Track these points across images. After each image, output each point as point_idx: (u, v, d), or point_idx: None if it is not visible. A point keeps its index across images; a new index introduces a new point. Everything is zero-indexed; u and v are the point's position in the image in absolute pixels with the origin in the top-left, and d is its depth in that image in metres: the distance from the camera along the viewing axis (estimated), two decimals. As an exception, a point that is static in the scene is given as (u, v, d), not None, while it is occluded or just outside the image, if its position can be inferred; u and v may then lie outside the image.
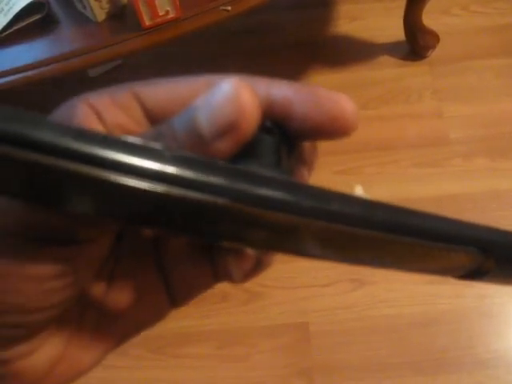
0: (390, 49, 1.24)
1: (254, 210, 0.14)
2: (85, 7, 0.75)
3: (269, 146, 0.16)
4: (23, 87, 0.73)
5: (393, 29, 1.23)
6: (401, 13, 1.17)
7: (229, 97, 0.15)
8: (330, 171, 1.08)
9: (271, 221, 0.15)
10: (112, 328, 0.21)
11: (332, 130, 0.16)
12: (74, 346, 0.20)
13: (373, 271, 0.95)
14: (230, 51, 1.31)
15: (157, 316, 0.22)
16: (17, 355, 0.18)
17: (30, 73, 0.72)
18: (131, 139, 0.14)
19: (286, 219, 0.15)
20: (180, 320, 0.94)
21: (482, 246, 0.18)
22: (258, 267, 0.19)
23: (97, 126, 0.17)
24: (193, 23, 0.75)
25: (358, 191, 0.18)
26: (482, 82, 1.18)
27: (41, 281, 0.16)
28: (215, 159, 0.15)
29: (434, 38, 1.21)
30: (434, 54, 1.22)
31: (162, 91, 0.18)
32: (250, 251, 0.19)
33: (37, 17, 0.77)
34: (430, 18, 1.18)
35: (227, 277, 0.20)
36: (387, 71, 1.22)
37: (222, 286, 0.93)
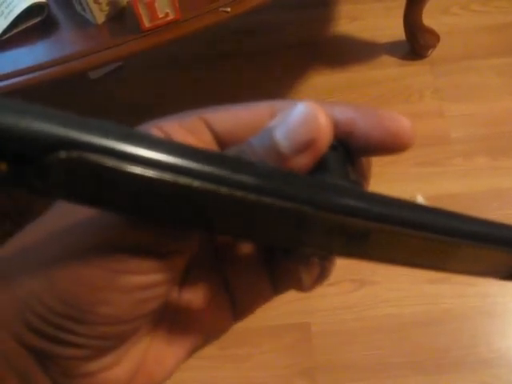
0: (391, 48, 1.24)
1: (337, 216, 0.16)
2: (84, 9, 0.75)
3: (337, 161, 0.18)
4: (24, 90, 0.74)
5: (393, 28, 1.23)
6: (401, 12, 1.17)
7: (307, 117, 0.16)
8: (331, 171, 1.08)
9: (350, 226, 0.16)
10: (182, 339, 0.21)
11: (392, 146, 0.18)
12: (150, 357, 0.20)
13: (374, 271, 0.95)
14: (231, 52, 1.31)
15: (222, 327, 0.23)
16: (101, 367, 0.18)
17: (30, 75, 0.72)
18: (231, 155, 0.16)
19: (363, 225, 0.16)
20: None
21: None
22: (323, 274, 0.21)
23: None
24: (192, 25, 0.75)
25: (419, 200, 0.20)
26: (483, 80, 1.18)
27: (133, 292, 0.17)
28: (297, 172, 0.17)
29: (435, 37, 1.21)
30: (434, 54, 1.22)
31: (229, 116, 0.20)
32: (316, 259, 0.20)
33: (37, 19, 0.77)
34: (430, 18, 1.18)
35: (296, 285, 0.21)
36: (388, 71, 1.22)
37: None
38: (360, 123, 0.18)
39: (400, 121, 0.18)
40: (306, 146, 0.16)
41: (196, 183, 0.15)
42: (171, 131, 0.19)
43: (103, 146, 0.14)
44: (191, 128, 0.19)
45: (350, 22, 1.31)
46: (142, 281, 0.17)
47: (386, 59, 1.23)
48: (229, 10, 0.75)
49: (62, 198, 0.15)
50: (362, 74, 1.22)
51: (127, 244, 0.17)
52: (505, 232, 0.19)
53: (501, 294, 0.91)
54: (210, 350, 0.89)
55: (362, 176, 0.21)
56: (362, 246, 0.17)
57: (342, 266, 0.96)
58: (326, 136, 0.17)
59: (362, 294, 0.93)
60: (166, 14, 0.72)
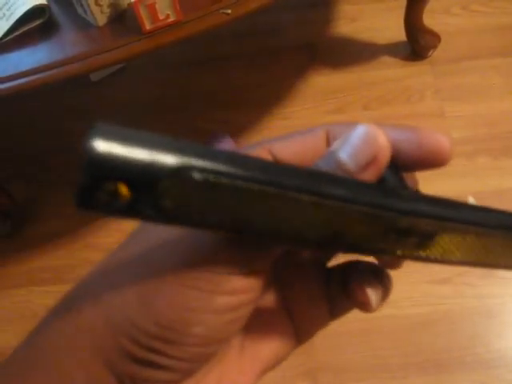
0: (391, 49, 1.24)
1: (415, 220, 0.18)
2: (86, 12, 0.75)
3: (392, 176, 0.20)
4: (26, 92, 0.74)
5: (393, 29, 1.23)
6: (401, 13, 1.17)
7: (368, 137, 0.18)
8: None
9: (423, 228, 0.18)
10: (251, 363, 0.22)
11: (433, 162, 0.20)
12: (223, 381, 0.21)
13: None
14: (231, 53, 1.31)
15: (286, 351, 0.23)
16: None
17: (32, 78, 0.72)
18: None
19: (435, 225, 0.18)
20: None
21: None
22: (386, 292, 0.23)
23: None
24: (193, 26, 0.75)
25: (471, 200, 0.21)
26: (484, 81, 1.18)
27: (226, 313, 0.18)
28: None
29: (435, 37, 1.21)
30: (435, 54, 1.22)
31: (290, 145, 0.22)
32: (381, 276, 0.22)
33: (38, 22, 0.77)
34: (430, 18, 1.18)
35: (364, 306, 0.22)
36: (388, 71, 1.22)
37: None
38: (404, 143, 0.20)
39: (439, 139, 0.20)
40: (370, 163, 0.18)
41: (304, 197, 0.16)
42: None
43: (216, 169, 0.16)
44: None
45: (351, 23, 1.31)
46: (234, 301, 0.18)
47: (387, 60, 1.23)
48: (229, 11, 0.75)
49: (170, 222, 0.16)
50: (363, 74, 1.22)
51: (221, 265, 0.17)
52: None
53: (499, 295, 0.91)
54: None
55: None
56: (429, 247, 0.19)
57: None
58: (386, 153, 0.18)
59: (363, 295, 0.93)
60: (167, 16, 0.73)
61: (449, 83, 1.18)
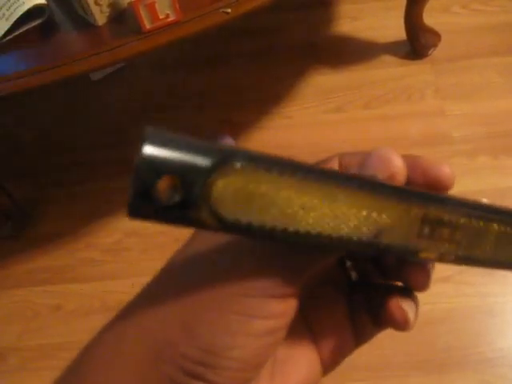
0: (391, 48, 1.24)
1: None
2: (85, 11, 0.75)
3: None
4: (25, 92, 0.74)
5: (394, 28, 1.23)
6: (401, 12, 1.17)
7: (385, 157, 0.20)
8: (333, 171, 1.08)
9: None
10: None
11: (436, 187, 0.21)
12: None
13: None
14: (232, 52, 1.31)
15: (313, 380, 0.23)
16: None
17: (31, 77, 0.72)
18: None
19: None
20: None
21: None
22: (417, 311, 0.23)
23: None
24: (193, 26, 0.75)
25: (484, 201, 0.23)
26: (484, 79, 1.18)
27: (265, 336, 0.18)
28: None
29: (435, 36, 1.21)
30: (435, 53, 1.22)
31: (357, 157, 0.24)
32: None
33: (38, 21, 0.77)
34: (430, 17, 1.18)
35: (401, 325, 0.22)
36: (389, 70, 1.22)
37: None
38: (409, 170, 0.21)
39: (441, 169, 0.22)
40: (392, 177, 0.20)
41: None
42: None
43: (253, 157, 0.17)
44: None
45: (351, 22, 1.31)
46: (272, 324, 0.18)
47: (387, 59, 1.23)
48: (229, 11, 0.75)
49: (220, 222, 0.16)
50: (363, 73, 1.22)
51: (259, 289, 0.18)
52: None
53: (501, 294, 0.91)
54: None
55: None
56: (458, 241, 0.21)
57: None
58: (403, 171, 0.20)
59: (364, 294, 0.93)
60: (167, 16, 0.72)
61: (449, 82, 1.18)
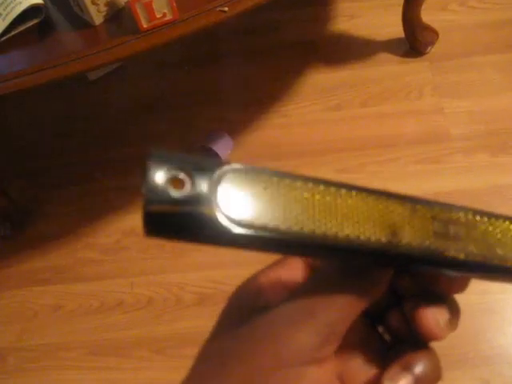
0: (390, 46, 1.24)
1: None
2: (82, 11, 0.75)
3: None
4: (22, 92, 0.74)
5: (392, 26, 1.23)
6: (399, 10, 1.17)
7: None
8: (331, 170, 1.08)
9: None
10: None
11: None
12: None
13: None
14: (231, 51, 1.31)
15: None
16: None
17: (28, 77, 0.72)
18: None
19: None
20: (183, 321, 0.94)
21: None
22: (454, 315, 0.24)
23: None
24: (190, 25, 0.75)
25: None
26: (482, 77, 1.17)
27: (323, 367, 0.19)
28: None
29: (433, 34, 1.21)
30: (433, 51, 1.22)
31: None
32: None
33: (35, 21, 0.77)
34: (428, 15, 1.18)
35: (428, 332, 0.23)
36: (387, 68, 1.21)
37: (226, 287, 0.94)
38: None
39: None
40: None
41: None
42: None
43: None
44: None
45: (349, 20, 1.31)
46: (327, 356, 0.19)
47: (385, 57, 1.23)
48: (226, 9, 0.75)
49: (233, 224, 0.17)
50: (361, 71, 1.22)
51: (296, 355, 0.18)
52: None
53: (501, 291, 0.91)
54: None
55: None
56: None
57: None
58: None
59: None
60: (164, 15, 0.72)
61: (447, 80, 1.18)
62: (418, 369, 0.23)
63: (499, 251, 0.21)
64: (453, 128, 1.11)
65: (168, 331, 0.93)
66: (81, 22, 0.76)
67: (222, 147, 1.09)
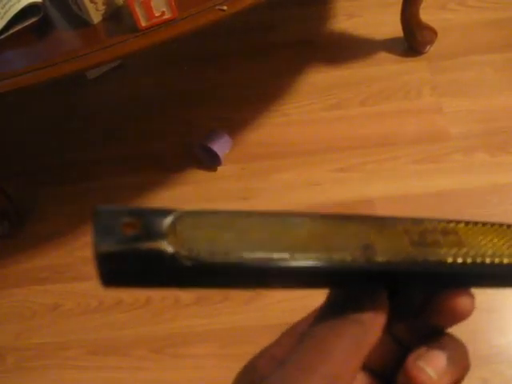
0: (388, 45, 1.24)
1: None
2: (80, 9, 0.75)
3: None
4: (21, 91, 0.73)
5: (390, 25, 1.23)
6: (398, 9, 1.17)
7: None
8: (330, 169, 1.08)
9: None
10: None
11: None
12: None
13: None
14: (230, 50, 1.31)
15: None
16: None
17: (27, 76, 0.72)
18: None
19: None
20: (182, 320, 0.94)
21: None
22: (457, 362, 0.23)
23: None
24: (189, 23, 0.75)
25: None
26: (481, 76, 1.18)
27: None
28: None
29: (432, 33, 1.21)
30: (432, 50, 1.22)
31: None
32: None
33: (33, 20, 0.77)
34: (427, 14, 1.18)
35: None
36: (386, 67, 1.21)
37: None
38: None
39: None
40: None
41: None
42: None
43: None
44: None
45: (348, 19, 1.31)
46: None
47: (384, 56, 1.23)
48: (225, 8, 0.75)
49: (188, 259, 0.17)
50: (360, 70, 1.22)
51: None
52: None
53: (499, 291, 0.91)
54: (211, 349, 0.89)
55: None
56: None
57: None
58: None
59: (362, 292, 0.93)
60: (162, 13, 0.72)
61: (446, 79, 1.18)
62: (450, 348, 0.22)
63: (488, 251, 0.20)
64: (452, 127, 1.11)
65: (166, 330, 0.93)
66: (79, 21, 0.76)
67: (221, 146, 1.09)
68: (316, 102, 1.19)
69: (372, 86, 1.19)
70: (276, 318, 0.92)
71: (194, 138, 1.13)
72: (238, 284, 0.18)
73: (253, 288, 0.18)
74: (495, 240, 0.21)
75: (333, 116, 1.16)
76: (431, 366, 0.20)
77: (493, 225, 0.21)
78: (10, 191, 1.05)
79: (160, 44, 0.74)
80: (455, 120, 1.12)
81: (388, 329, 0.22)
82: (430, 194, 1.02)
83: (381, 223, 0.19)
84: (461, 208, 0.99)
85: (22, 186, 1.15)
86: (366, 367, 0.23)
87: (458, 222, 0.21)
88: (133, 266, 0.16)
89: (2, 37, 0.75)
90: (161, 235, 0.16)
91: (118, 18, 0.76)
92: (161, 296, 0.97)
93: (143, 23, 0.72)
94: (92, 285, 1.00)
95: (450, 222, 0.20)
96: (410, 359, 0.20)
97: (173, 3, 0.72)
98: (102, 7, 0.75)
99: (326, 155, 1.10)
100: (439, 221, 0.20)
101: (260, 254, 0.17)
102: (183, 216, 0.17)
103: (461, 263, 0.20)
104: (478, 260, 0.20)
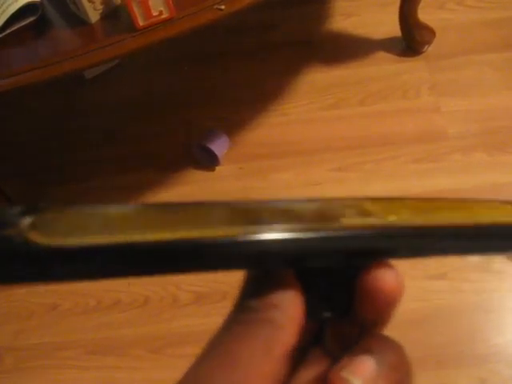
0: (387, 45, 1.24)
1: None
2: (78, 9, 0.75)
3: None
4: (18, 90, 0.73)
5: (389, 25, 1.23)
6: (396, 9, 1.17)
7: None
8: (329, 168, 1.08)
9: None
10: None
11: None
12: None
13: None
14: (227, 50, 1.31)
15: None
16: None
17: (24, 75, 0.72)
18: None
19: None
20: (180, 320, 0.94)
21: None
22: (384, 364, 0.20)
23: None
24: (187, 23, 0.75)
25: None
26: (479, 76, 1.18)
27: None
28: None
29: (430, 33, 1.21)
30: (430, 50, 1.22)
31: None
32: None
33: (30, 19, 0.77)
34: (425, 14, 1.18)
35: None
36: (384, 67, 1.21)
37: (222, 285, 0.94)
38: None
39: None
40: None
41: None
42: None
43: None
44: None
45: (346, 19, 1.31)
46: None
47: (382, 55, 1.23)
48: (223, 7, 0.75)
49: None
50: (359, 70, 1.22)
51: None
52: None
53: (497, 290, 0.91)
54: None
55: None
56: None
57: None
58: None
59: (360, 291, 0.93)
60: (160, 13, 0.72)
61: (444, 78, 1.18)
62: (380, 351, 0.19)
63: (390, 216, 0.19)
64: (450, 127, 1.11)
65: (165, 330, 0.93)
66: (77, 20, 0.76)
67: (219, 146, 1.09)
68: (315, 101, 1.19)
69: (370, 85, 1.19)
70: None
71: (193, 138, 1.13)
72: (95, 271, 0.17)
73: (113, 277, 0.17)
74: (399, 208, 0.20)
75: (331, 115, 1.16)
76: (358, 374, 0.18)
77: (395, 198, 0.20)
78: (9, 191, 1.04)
79: (158, 43, 0.74)
80: (454, 119, 1.12)
81: (322, 346, 0.21)
82: (429, 193, 1.02)
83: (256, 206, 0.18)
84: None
85: (21, 186, 1.15)
86: None
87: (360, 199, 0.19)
88: None
89: (0, 36, 0.75)
90: (12, 224, 0.16)
91: (115, 17, 0.76)
92: (159, 296, 0.97)
93: (141, 22, 0.72)
94: (90, 285, 1.00)
95: (357, 199, 0.19)
96: (333, 371, 0.18)
97: (170, 2, 0.72)
98: (99, 6, 0.74)
99: (325, 155, 1.10)
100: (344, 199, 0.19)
101: (118, 237, 0.16)
102: (42, 209, 0.17)
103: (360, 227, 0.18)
104: (380, 221, 0.18)
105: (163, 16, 0.73)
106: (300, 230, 0.18)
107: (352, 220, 0.18)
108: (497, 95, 1.14)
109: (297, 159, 1.10)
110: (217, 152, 1.08)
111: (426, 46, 1.21)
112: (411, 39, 1.20)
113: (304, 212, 0.18)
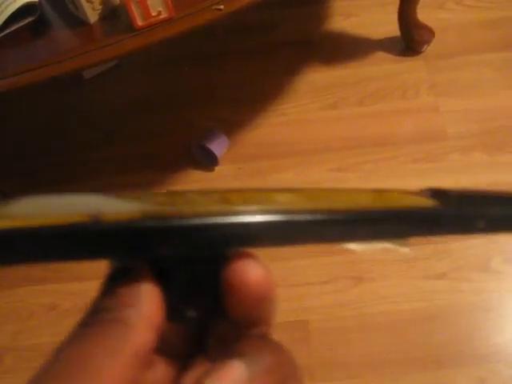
0: (386, 45, 1.24)
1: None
2: (77, 9, 0.75)
3: None
4: (17, 90, 0.73)
5: (388, 25, 1.23)
6: (395, 9, 1.17)
7: None
8: (328, 168, 1.08)
9: None
10: None
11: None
12: None
13: (370, 268, 0.95)
14: (226, 50, 1.31)
15: None
16: None
17: (23, 76, 0.72)
18: None
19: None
20: (180, 320, 0.94)
21: None
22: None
23: None
24: (186, 23, 0.75)
25: None
26: (478, 76, 1.18)
27: None
28: None
29: (429, 33, 1.21)
30: (429, 49, 1.22)
31: None
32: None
33: (29, 19, 0.77)
34: (424, 13, 1.18)
35: None
36: (383, 67, 1.21)
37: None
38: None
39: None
40: None
41: None
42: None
43: None
44: None
45: (345, 19, 1.31)
46: None
47: (382, 55, 1.23)
48: (222, 7, 0.75)
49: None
50: (358, 70, 1.22)
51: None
52: None
53: (496, 289, 0.91)
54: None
55: None
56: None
57: (339, 264, 0.96)
58: None
59: (359, 291, 0.93)
60: (159, 13, 0.72)
61: (443, 78, 1.18)
62: (252, 353, 0.17)
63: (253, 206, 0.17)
64: (449, 127, 1.11)
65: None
66: (76, 20, 0.76)
67: (218, 146, 1.09)
68: (314, 101, 1.19)
69: (369, 85, 1.19)
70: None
71: (193, 138, 1.13)
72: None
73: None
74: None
75: (330, 116, 1.16)
76: (224, 381, 0.16)
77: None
78: (8, 191, 1.04)
79: (157, 44, 0.74)
80: (453, 119, 1.12)
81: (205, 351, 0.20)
82: (428, 193, 1.02)
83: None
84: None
85: (20, 187, 1.15)
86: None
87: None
88: None
89: (-1, 36, 0.75)
90: None
91: (114, 17, 0.76)
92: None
93: (140, 23, 0.72)
94: (90, 285, 1.00)
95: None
96: (198, 379, 0.16)
97: (169, 3, 0.72)
98: (98, 7, 0.74)
99: (324, 155, 1.10)
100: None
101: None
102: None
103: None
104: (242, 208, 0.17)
105: (162, 16, 0.73)
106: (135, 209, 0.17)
107: (195, 207, 0.17)
108: (496, 95, 1.14)
109: (296, 159, 1.10)
110: (216, 152, 1.08)
111: (425, 46, 1.21)
112: (410, 39, 1.20)
113: (153, 197, 0.18)
